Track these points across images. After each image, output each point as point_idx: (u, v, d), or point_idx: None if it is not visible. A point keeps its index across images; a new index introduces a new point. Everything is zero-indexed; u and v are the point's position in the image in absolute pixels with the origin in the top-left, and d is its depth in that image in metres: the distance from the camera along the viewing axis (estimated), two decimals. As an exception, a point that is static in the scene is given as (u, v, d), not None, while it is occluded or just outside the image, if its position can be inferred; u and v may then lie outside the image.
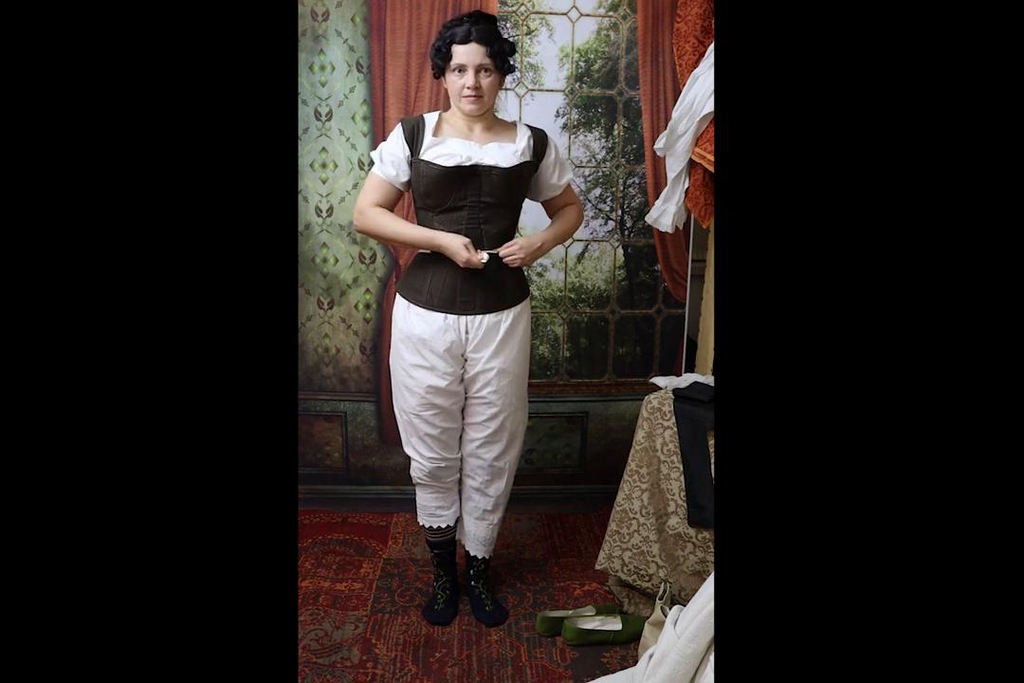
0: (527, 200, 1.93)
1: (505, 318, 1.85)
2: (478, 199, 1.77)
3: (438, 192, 1.76)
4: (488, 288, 1.80)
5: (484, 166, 1.75)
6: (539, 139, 1.85)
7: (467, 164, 1.74)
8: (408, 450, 2.00)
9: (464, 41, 1.69)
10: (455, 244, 1.74)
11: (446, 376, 1.86)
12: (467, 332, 1.83)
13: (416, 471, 2.01)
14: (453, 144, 1.77)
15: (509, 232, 1.85)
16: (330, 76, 2.40)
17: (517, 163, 1.78)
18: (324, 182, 2.47)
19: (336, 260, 2.53)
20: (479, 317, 1.82)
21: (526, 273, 2.56)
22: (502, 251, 1.79)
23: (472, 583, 2.12)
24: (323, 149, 2.44)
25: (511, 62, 1.77)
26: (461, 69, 1.71)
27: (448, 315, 1.81)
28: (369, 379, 2.62)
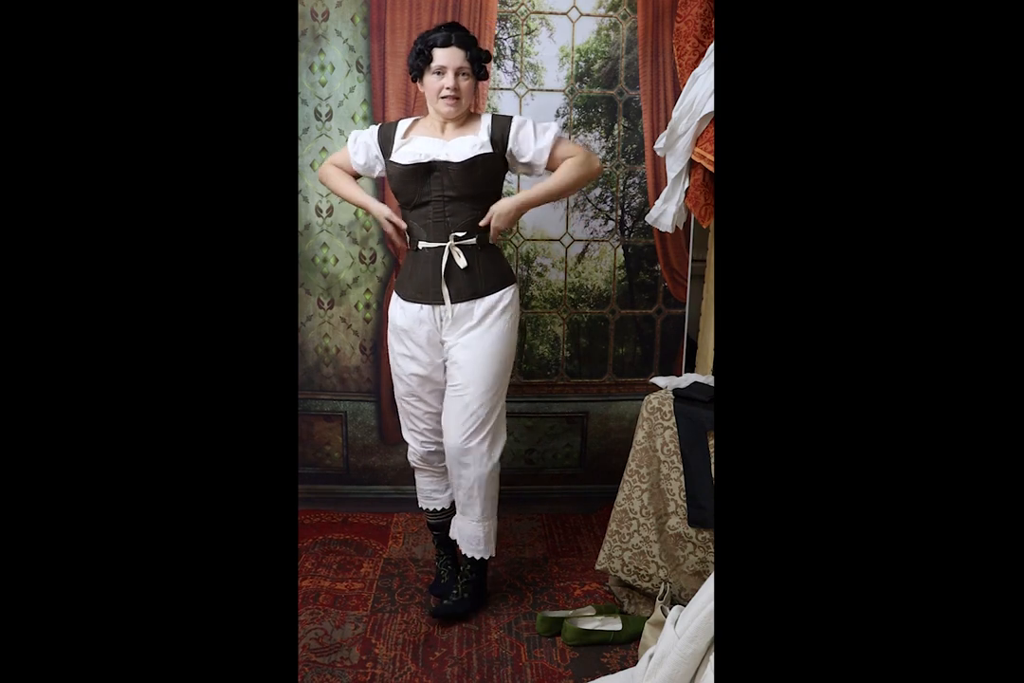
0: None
1: (477, 306, 1.91)
2: (441, 194, 1.85)
3: (404, 189, 1.88)
4: (459, 279, 1.88)
5: (440, 162, 1.83)
6: (500, 125, 1.89)
7: (424, 161, 1.84)
8: (405, 434, 2.11)
9: (445, 44, 1.81)
10: (381, 215, 1.92)
11: (427, 365, 1.96)
12: (440, 320, 1.92)
13: (411, 455, 2.12)
14: (419, 142, 1.88)
15: (476, 223, 1.90)
16: (330, 76, 2.40)
17: (471, 156, 1.83)
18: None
19: (336, 260, 2.53)
20: (451, 306, 1.90)
21: (526, 273, 2.56)
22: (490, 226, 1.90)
23: (458, 577, 2.11)
24: (323, 149, 2.44)
25: (486, 69, 1.89)
26: (441, 71, 1.82)
27: (423, 305, 1.91)
28: (369, 379, 2.62)
